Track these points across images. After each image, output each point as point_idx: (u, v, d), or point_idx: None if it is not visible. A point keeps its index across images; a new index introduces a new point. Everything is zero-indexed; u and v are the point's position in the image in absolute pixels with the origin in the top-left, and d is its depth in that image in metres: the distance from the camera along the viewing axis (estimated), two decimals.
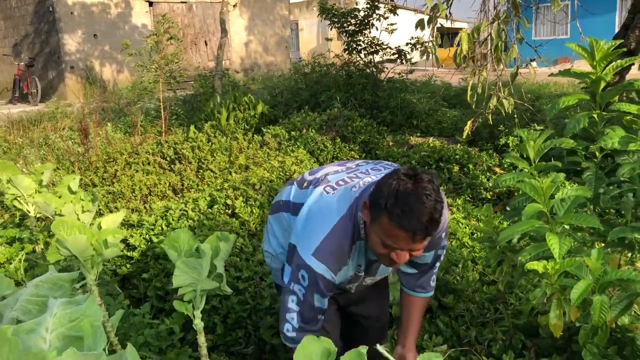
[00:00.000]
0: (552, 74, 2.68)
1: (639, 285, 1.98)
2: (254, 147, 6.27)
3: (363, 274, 1.96)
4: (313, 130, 6.41)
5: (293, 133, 6.47)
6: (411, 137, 7.17)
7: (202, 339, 2.29)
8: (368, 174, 1.95)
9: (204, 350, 2.30)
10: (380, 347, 2.01)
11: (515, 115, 5.40)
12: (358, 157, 5.96)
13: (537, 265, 2.01)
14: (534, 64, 10.92)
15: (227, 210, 4.34)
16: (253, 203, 4.36)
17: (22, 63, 14.18)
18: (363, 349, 1.57)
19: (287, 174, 4.62)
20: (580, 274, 1.96)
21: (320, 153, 5.87)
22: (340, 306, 2.24)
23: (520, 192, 2.36)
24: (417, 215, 1.55)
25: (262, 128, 7.02)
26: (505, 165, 5.28)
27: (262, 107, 7.76)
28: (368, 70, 8.37)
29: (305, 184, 2.03)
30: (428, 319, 2.86)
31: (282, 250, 2.13)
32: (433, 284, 2.16)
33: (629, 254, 2.35)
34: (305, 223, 1.85)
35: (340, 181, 1.92)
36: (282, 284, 1.93)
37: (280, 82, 10.26)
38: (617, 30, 5.33)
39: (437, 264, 2.12)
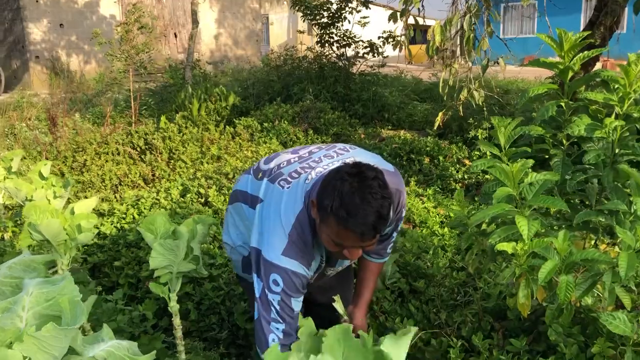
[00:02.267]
0: (522, 65, 2.76)
1: (603, 265, 2.07)
2: (226, 138, 6.25)
3: (324, 264, 1.93)
4: (285, 121, 6.43)
5: (265, 124, 6.47)
6: (383, 129, 7.25)
7: (177, 321, 2.29)
8: (320, 161, 1.92)
9: (179, 333, 2.31)
10: (335, 304, 2.02)
11: (485, 108, 5.51)
12: None
13: (507, 247, 2.08)
14: (501, 61, 11.12)
15: (199, 199, 4.33)
16: (226, 192, 4.36)
17: None
18: (348, 326, 1.60)
19: None
20: (547, 254, 2.04)
21: (292, 144, 5.89)
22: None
23: (491, 179, 2.43)
24: (363, 216, 1.54)
25: (234, 119, 7.00)
26: (475, 157, 5.39)
27: (234, 98, 7.74)
28: (340, 63, 8.42)
29: (260, 174, 1.99)
30: (399, 303, 2.92)
31: (240, 243, 2.09)
32: (389, 251, 2.19)
33: (594, 238, 2.44)
34: (265, 223, 1.81)
35: (294, 173, 1.89)
36: (247, 278, 1.89)
37: (252, 75, 10.23)
38: (582, 29, 5.49)
39: (395, 234, 2.13)
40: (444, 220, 4.07)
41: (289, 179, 1.86)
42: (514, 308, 2.39)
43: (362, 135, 6.82)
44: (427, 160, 5.62)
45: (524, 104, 2.63)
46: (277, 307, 1.73)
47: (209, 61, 16.81)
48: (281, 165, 1.95)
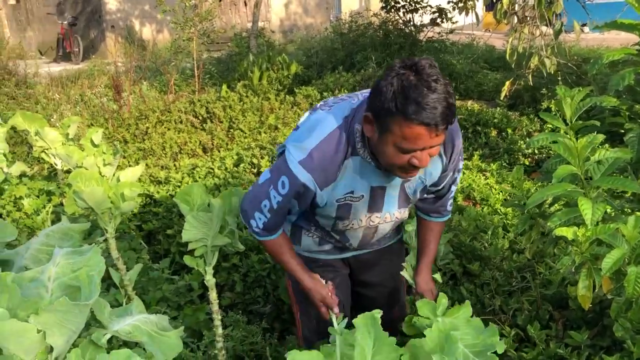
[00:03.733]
0: (597, 27, 2.47)
1: None
2: (285, 107, 6.16)
3: (363, 203, 1.77)
4: (345, 90, 6.25)
5: (325, 94, 6.32)
6: None
7: (213, 295, 2.24)
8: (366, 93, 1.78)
9: (215, 307, 2.25)
10: (404, 272, 2.04)
11: (559, 78, 5.10)
12: None
13: (567, 232, 1.86)
14: (585, 28, 10.36)
15: (252, 169, 4.28)
16: None
17: (65, 22, 14.31)
18: (377, 313, 1.47)
19: None
20: (614, 242, 1.81)
21: None
22: (351, 272, 2.13)
23: (554, 156, 2.19)
24: (432, 106, 1.41)
25: (295, 89, 6.88)
26: (547, 131, 5.03)
27: (296, 67, 7.61)
28: (406, 30, 8.08)
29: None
30: (451, 286, 2.75)
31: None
32: (450, 208, 2.03)
33: None
34: (299, 131, 1.74)
35: (338, 100, 1.79)
36: (258, 181, 1.82)
37: (317, 43, 10.05)
38: None
39: (454, 188, 1.96)
40: (508, 198, 3.81)
41: (331, 103, 1.77)
42: (576, 298, 2.17)
43: None
44: (494, 132, 5.30)
45: (597, 72, 2.34)
46: (272, 204, 1.74)
47: (278, 30, 16.75)
48: (330, 99, 1.87)
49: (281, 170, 1.68)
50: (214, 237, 2.14)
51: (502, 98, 4.99)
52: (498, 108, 5.86)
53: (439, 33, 8.31)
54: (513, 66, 4.63)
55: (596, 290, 1.94)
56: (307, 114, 1.82)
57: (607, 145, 2.21)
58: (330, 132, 1.63)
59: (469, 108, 6.02)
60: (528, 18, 4.32)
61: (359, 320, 1.44)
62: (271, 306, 2.97)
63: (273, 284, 3.04)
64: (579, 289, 1.89)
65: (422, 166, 1.54)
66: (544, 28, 4.55)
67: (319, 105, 1.85)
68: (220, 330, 2.27)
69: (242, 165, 4.32)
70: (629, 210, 2.29)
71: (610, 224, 1.84)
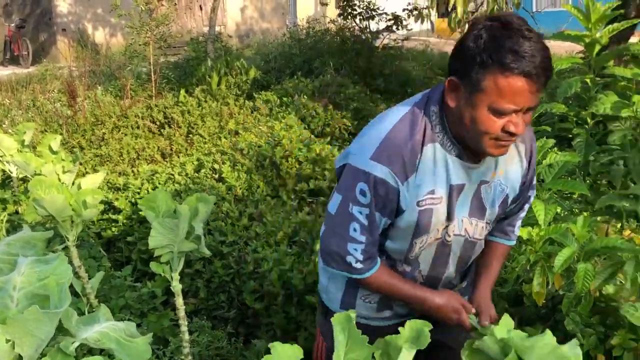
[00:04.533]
0: (545, 38, 2.60)
1: (625, 254, 1.95)
2: (245, 112, 6.17)
3: (442, 208, 1.46)
4: (305, 96, 6.31)
5: (284, 99, 6.37)
6: None
7: (180, 301, 2.25)
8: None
9: (182, 313, 2.26)
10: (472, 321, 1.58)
11: None
12: (350, 124, 5.87)
13: (522, 232, 1.97)
14: None
15: (214, 175, 4.28)
16: (240, 168, 4.29)
17: (13, 24, 13.88)
18: (352, 312, 1.49)
19: (276, 139, 4.55)
20: (565, 241, 1.92)
21: (311, 120, 5.79)
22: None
23: None
24: (532, 53, 1.23)
25: (254, 93, 6.91)
26: None
27: (255, 72, 7.63)
28: (363, 37, 8.22)
29: None
30: None
31: None
32: (517, 232, 1.75)
33: (618, 224, 2.30)
34: (360, 136, 1.49)
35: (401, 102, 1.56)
36: (330, 212, 1.50)
37: (274, 48, 10.09)
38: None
39: (526, 207, 1.72)
40: None
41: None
42: (530, 295, 2.28)
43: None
44: None
45: None
46: (363, 223, 1.42)
47: (235, 34, 16.69)
48: None
49: (353, 180, 1.42)
50: (180, 243, 2.15)
51: None
52: None
53: (394, 40, 8.48)
54: None
55: (549, 287, 2.06)
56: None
57: (556, 149, 2.33)
58: (402, 116, 1.41)
59: None
60: None
61: (336, 319, 1.49)
62: (235, 311, 2.99)
63: (237, 289, 3.06)
64: (533, 286, 1.99)
65: (518, 132, 1.31)
66: None
67: None
68: (186, 336, 2.28)
69: (203, 170, 4.32)
70: (578, 211, 2.42)
71: (562, 224, 1.95)
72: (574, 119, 2.43)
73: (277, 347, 1.39)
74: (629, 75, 2.17)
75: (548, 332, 1.33)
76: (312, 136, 5.08)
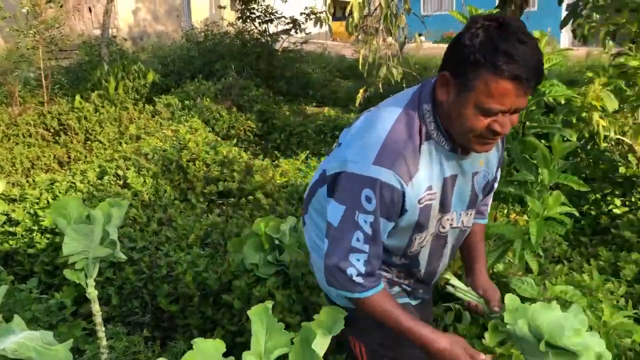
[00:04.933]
0: (436, 41, 2.83)
1: (512, 235, 2.18)
2: (146, 116, 6.06)
3: (436, 201, 1.45)
4: (208, 99, 6.30)
5: (187, 102, 6.33)
6: (307, 106, 7.27)
7: (96, 307, 2.23)
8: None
9: (98, 319, 2.24)
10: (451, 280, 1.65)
11: (404, 85, 5.62)
12: (254, 126, 5.95)
13: None
14: (422, 38, 11.35)
15: (118, 181, 4.20)
16: (146, 173, 4.24)
17: None
18: (269, 303, 1.57)
19: (182, 142, 4.53)
20: None
21: (215, 122, 5.80)
22: None
23: None
24: (524, 58, 1.24)
25: (154, 97, 6.79)
26: None
27: (153, 76, 7.49)
28: (263, 40, 8.31)
29: (334, 145, 1.57)
30: None
31: None
32: (489, 209, 1.80)
33: (505, 208, 2.56)
34: (354, 142, 1.41)
35: (383, 103, 1.52)
36: (332, 223, 1.43)
37: (172, 51, 9.92)
38: (495, 6, 5.68)
39: (495, 185, 1.73)
40: None
41: (378, 106, 1.50)
42: None
43: (287, 113, 6.80)
44: None
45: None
46: (366, 232, 1.37)
47: (128, 37, 16.16)
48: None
49: (357, 187, 1.36)
50: (95, 249, 2.14)
51: (357, 105, 5.39)
52: (352, 114, 6.29)
53: (294, 43, 8.65)
54: (365, 75, 5.03)
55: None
56: (354, 125, 1.52)
57: None
58: (397, 117, 1.38)
59: (327, 114, 6.40)
60: (376, 30, 4.74)
61: (253, 312, 1.57)
62: (150, 315, 2.97)
63: (151, 293, 3.04)
64: None
65: (503, 132, 1.32)
66: (389, 39, 5.00)
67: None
68: (104, 342, 2.26)
69: (106, 177, 4.21)
70: None
71: None
72: None
73: (199, 343, 1.45)
74: None
75: (554, 302, 1.49)
76: (218, 138, 5.10)
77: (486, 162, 1.54)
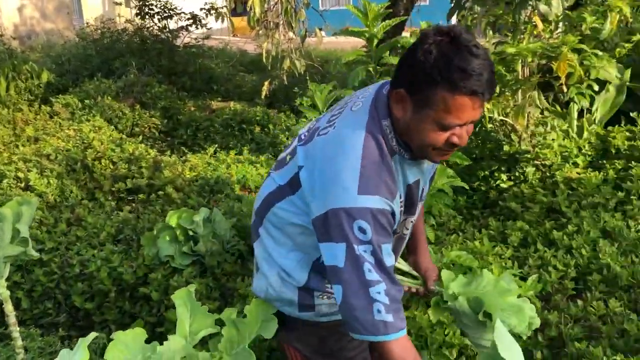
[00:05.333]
0: (335, 33, 3.01)
1: None
2: (43, 117, 5.83)
3: (403, 208, 1.49)
4: (109, 97, 6.16)
5: (87, 101, 6.14)
6: (212, 101, 7.27)
7: (9, 308, 2.20)
8: (357, 96, 1.50)
9: (12, 319, 2.21)
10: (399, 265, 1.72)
11: (307, 77, 5.80)
12: (159, 123, 5.88)
13: None
14: (322, 32, 11.63)
15: (19, 184, 4.05)
16: (49, 174, 4.12)
17: None
18: (192, 287, 1.65)
19: (86, 141, 4.43)
20: None
21: (119, 120, 5.69)
22: None
23: None
24: (479, 72, 1.25)
25: (50, 98, 6.53)
26: (302, 124, 5.68)
27: (48, 75, 7.18)
28: (163, 36, 8.19)
29: (287, 158, 1.53)
30: (240, 264, 3.07)
31: (294, 258, 1.54)
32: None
33: None
34: (320, 179, 1.37)
35: (332, 117, 1.48)
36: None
37: (67, 50, 9.51)
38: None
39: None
40: None
41: (330, 121, 1.46)
42: None
43: (192, 108, 6.78)
44: (258, 129, 5.79)
45: (337, 70, 2.88)
46: (372, 262, 1.32)
47: (15, 36, 15.21)
48: (311, 127, 1.53)
49: (348, 222, 1.32)
50: (5, 248, 2.11)
51: (262, 97, 5.49)
52: (258, 107, 6.38)
53: (195, 39, 8.59)
54: (269, 68, 5.15)
55: None
56: (301, 149, 1.46)
57: None
58: (364, 141, 1.36)
59: (232, 108, 6.44)
60: (277, 25, 4.87)
61: (176, 295, 1.65)
62: (65, 315, 2.94)
63: (64, 293, 3.00)
64: None
65: (462, 144, 1.35)
66: (290, 34, 5.15)
67: (306, 132, 1.52)
68: (19, 342, 2.24)
69: (5, 181, 4.05)
70: None
71: None
72: None
73: (118, 335, 1.50)
74: None
75: (485, 271, 1.61)
76: (123, 136, 5.03)
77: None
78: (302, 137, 1.49)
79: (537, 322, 1.52)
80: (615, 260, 2.76)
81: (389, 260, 1.36)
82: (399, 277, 1.71)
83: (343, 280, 1.33)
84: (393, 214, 1.38)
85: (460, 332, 2.14)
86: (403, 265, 1.78)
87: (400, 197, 1.44)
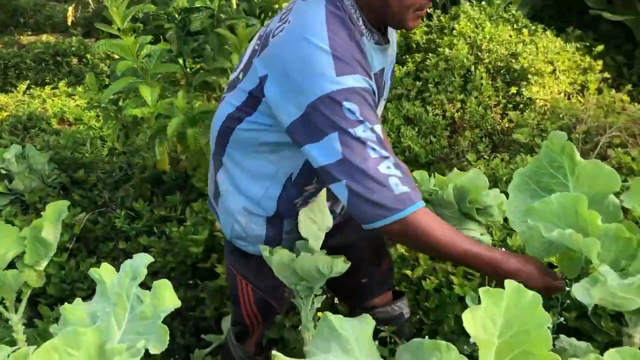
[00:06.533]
0: None
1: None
2: None
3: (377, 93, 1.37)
4: None
5: None
6: (22, 36, 6.66)
7: None
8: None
9: None
10: None
11: None
12: None
13: (137, 112, 2.34)
14: None
15: None
16: None
17: None
18: None
19: None
20: (172, 113, 2.37)
21: None
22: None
23: (116, 59, 2.60)
24: None
25: None
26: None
27: None
28: None
29: (240, 75, 1.39)
30: (59, 195, 3.02)
31: (262, 188, 1.43)
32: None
33: (213, 94, 2.84)
34: (292, 72, 1.23)
35: (283, 16, 1.35)
36: (335, 160, 1.22)
37: None
38: None
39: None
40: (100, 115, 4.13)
41: (282, 22, 1.32)
42: (160, 168, 2.73)
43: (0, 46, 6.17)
44: (75, 60, 5.46)
45: None
46: (373, 139, 1.21)
47: None
48: (261, 35, 1.38)
49: (334, 106, 1.20)
50: None
51: (69, 23, 5.14)
52: (73, 37, 5.96)
53: None
54: None
55: (170, 153, 2.51)
56: (258, 60, 1.32)
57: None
58: (327, 20, 1.24)
59: (45, 41, 5.96)
60: None
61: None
62: None
63: None
64: (156, 155, 2.41)
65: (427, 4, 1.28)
66: None
67: (253, 47, 1.39)
68: None
69: None
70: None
71: (166, 100, 2.38)
72: (165, 16, 2.85)
73: (67, 307, 1.44)
74: None
75: (455, 170, 1.61)
76: None
77: (392, 44, 1.47)
78: (255, 48, 1.36)
79: None
80: (416, 142, 3.13)
81: (383, 136, 1.26)
82: None
83: (347, 171, 1.21)
84: (374, 92, 1.28)
85: None
86: None
87: (371, 76, 1.31)
